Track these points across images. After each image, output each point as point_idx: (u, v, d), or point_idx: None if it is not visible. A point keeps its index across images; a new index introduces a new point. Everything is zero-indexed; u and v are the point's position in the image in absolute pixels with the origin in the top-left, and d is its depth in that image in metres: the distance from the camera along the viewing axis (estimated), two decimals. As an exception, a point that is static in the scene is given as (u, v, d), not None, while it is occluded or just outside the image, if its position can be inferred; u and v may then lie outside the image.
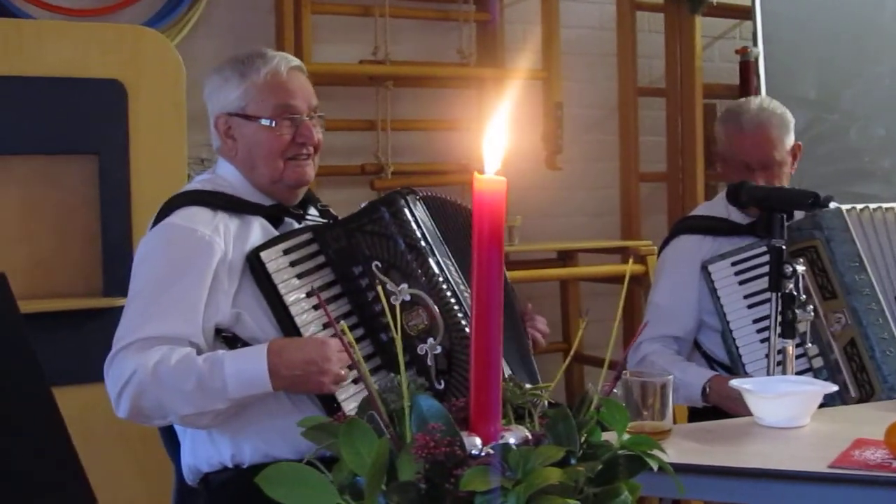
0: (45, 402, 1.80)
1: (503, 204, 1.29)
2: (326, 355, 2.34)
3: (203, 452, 2.52)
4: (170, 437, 2.72)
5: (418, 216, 2.56)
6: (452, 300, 2.48)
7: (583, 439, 1.35)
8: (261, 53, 2.64)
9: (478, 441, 1.30)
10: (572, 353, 1.60)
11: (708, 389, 3.11)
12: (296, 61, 2.66)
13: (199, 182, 2.67)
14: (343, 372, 2.36)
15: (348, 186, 4.88)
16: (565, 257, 5.31)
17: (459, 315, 2.47)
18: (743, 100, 3.54)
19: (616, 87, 5.54)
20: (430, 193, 2.68)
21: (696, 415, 3.28)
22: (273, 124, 2.57)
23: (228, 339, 2.45)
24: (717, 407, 3.09)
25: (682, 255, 3.40)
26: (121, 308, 3.68)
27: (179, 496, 2.77)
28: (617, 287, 5.32)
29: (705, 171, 5.42)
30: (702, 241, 3.40)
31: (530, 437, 1.34)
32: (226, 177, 2.64)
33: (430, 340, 2.43)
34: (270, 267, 2.44)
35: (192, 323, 2.39)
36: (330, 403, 2.40)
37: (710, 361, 3.34)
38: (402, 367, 1.27)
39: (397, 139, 5.04)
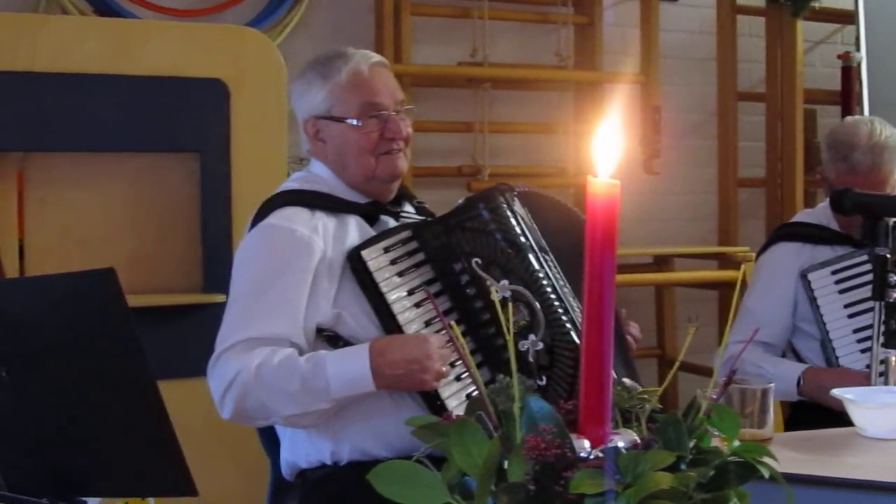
0: (151, 395, 1.83)
1: (617, 207, 1.29)
2: (428, 352, 2.33)
3: (302, 450, 2.53)
4: (267, 433, 2.74)
5: (517, 211, 2.55)
6: (553, 296, 2.46)
7: (692, 444, 1.34)
8: (340, 53, 2.62)
9: (587, 444, 1.29)
10: (679, 361, 1.58)
11: (802, 381, 3.09)
12: (377, 57, 2.64)
13: (295, 180, 2.67)
14: (445, 369, 2.36)
15: (445, 187, 4.89)
16: (661, 262, 5.28)
17: (560, 311, 2.45)
18: (851, 124, 3.35)
19: (715, 91, 5.50)
20: (527, 189, 2.66)
21: (794, 418, 3.25)
22: (359, 123, 2.56)
23: (330, 337, 2.44)
24: (812, 402, 3.07)
25: (780, 262, 3.36)
26: (220, 305, 3.73)
27: (275, 490, 2.79)
28: (712, 293, 5.28)
29: (804, 176, 5.35)
30: (801, 249, 3.35)
31: (639, 440, 1.33)
32: (320, 175, 2.64)
33: (532, 337, 2.42)
34: (371, 265, 2.44)
35: (293, 323, 2.40)
36: (433, 401, 2.39)
37: (808, 370, 3.30)
38: (514, 369, 1.26)
39: (494, 141, 5.05)
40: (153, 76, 3.70)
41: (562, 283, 2.52)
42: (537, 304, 2.44)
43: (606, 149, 1.31)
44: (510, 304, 2.40)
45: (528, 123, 5.21)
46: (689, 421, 1.36)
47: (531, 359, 2.40)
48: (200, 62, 3.77)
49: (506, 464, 1.26)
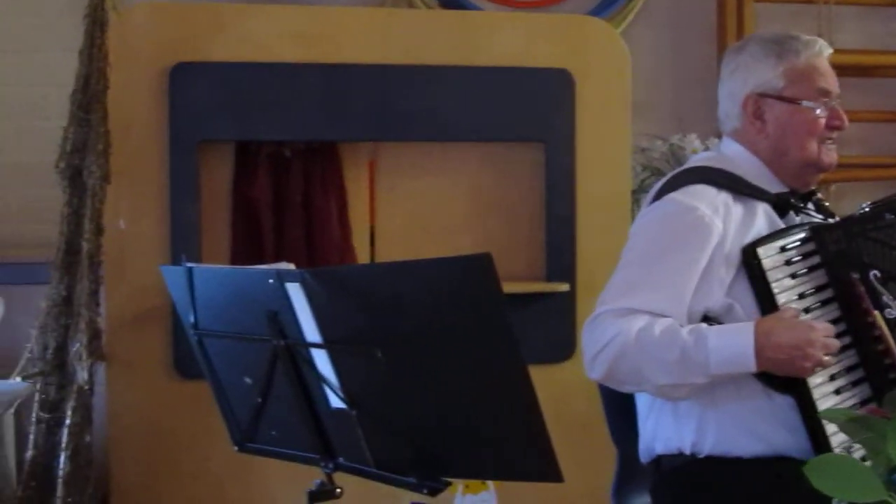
0: (524, 381, 1.84)
1: None
2: (812, 340, 2.25)
3: (663, 434, 2.49)
4: (618, 422, 2.71)
5: None
6: None
7: None
8: (794, 36, 2.57)
9: None
10: None
11: None
12: (829, 48, 2.60)
13: (704, 160, 2.62)
14: (827, 359, 2.28)
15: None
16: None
17: None
18: None
19: None
20: None
21: None
22: (814, 106, 2.51)
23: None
24: None
25: None
26: (563, 294, 3.78)
27: (621, 479, 2.76)
28: None
29: None
30: None
31: None
32: (732, 157, 2.58)
33: None
34: (766, 264, 2.36)
35: (677, 302, 2.35)
36: (807, 403, 2.32)
37: None
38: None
39: (839, 130, 4.88)
40: (499, 67, 3.76)
41: None
42: None
43: None
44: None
45: (875, 112, 5.02)
46: None
47: None
48: (546, 52, 3.79)
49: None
